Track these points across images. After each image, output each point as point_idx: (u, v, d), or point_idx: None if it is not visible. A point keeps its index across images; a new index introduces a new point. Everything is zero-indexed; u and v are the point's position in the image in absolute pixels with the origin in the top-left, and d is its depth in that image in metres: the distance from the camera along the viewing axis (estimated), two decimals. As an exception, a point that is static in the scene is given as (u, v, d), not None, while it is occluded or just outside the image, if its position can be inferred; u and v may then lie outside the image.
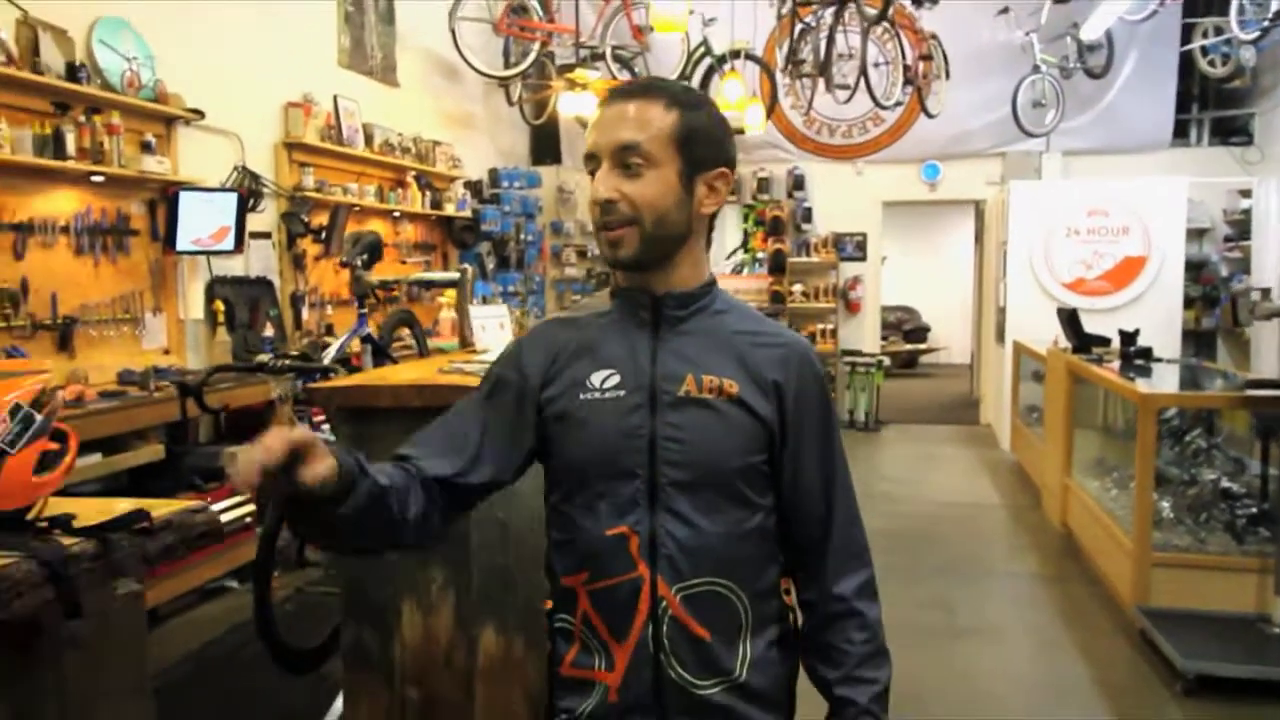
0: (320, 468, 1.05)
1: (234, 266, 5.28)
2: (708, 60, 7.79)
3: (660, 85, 1.30)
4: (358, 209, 6.42)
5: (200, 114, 4.91)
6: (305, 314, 5.86)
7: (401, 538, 1.22)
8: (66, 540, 0.90)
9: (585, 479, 1.29)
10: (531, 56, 7.47)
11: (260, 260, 5.56)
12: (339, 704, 2.42)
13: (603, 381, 1.29)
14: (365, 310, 4.00)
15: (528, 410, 1.33)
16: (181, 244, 4.69)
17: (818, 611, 1.34)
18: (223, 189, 5.02)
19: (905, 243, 13.28)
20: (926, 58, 7.71)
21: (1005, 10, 8.15)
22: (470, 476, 1.30)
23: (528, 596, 2.21)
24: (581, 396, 1.29)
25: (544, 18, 7.40)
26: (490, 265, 8.48)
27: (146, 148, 4.56)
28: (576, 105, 7.19)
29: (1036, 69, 8.13)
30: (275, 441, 1.01)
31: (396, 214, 7.01)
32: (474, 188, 8.24)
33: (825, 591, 1.33)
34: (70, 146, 4.10)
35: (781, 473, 1.32)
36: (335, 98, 6.30)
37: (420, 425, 1.36)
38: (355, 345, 3.96)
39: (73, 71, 4.19)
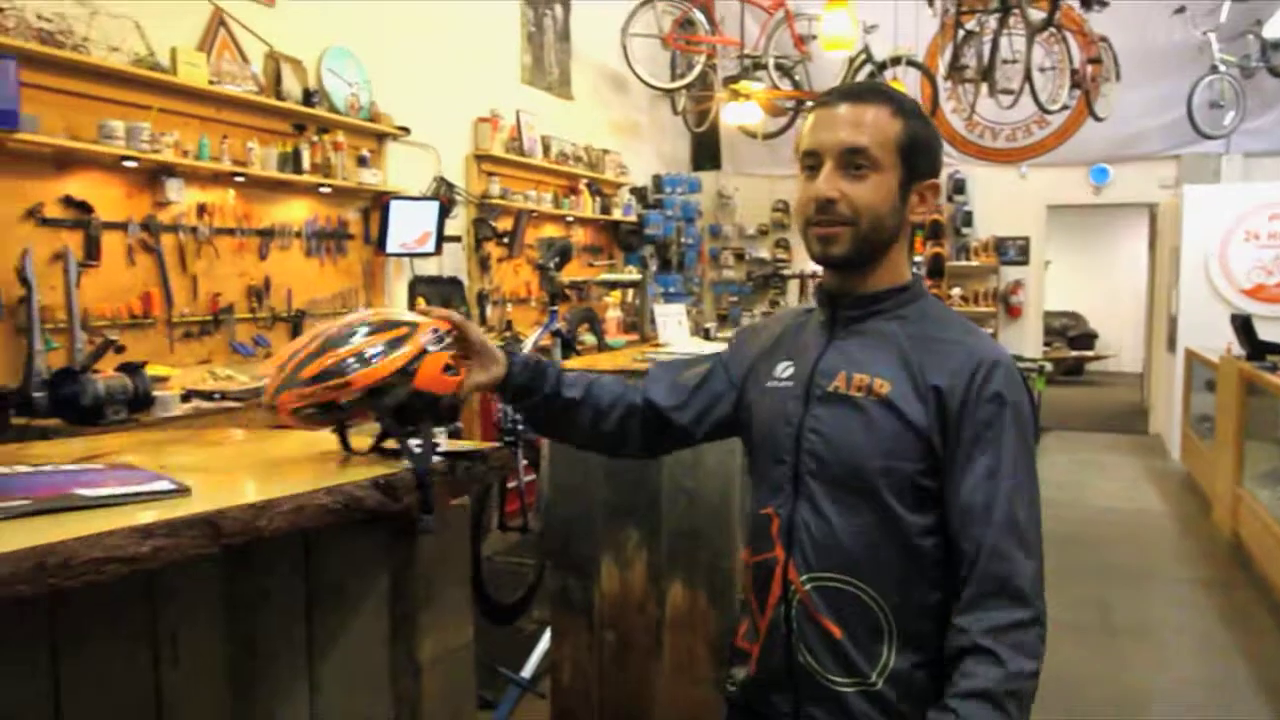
0: (480, 377, 1.35)
1: (431, 267, 5.86)
2: (869, 67, 7.93)
3: (885, 90, 1.31)
4: (535, 214, 6.94)
5: (406, 130, 5.50)
6: (489, 311, 6.41)
7: (594, 443, 1.50)
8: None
9: (757, 459, 1.39)
10: (697, 69, 7.82)
11: (452, 261, 6.13)
12: (545, 640, 2.82)
13: (782, 371, 1.36)
14: (556, 308, 4.44)
15: (730, 387, 1.45)
16: (391, 247, 5.28)
17: (948, 648, 1.22)
18: (425, 197, 5.59)
19: (1071, 247, 12.91)
20: (1095, 60, 7.60)
21: (1181, 9, 7.92)
22: (677, 416, 1.45)
23: (711, 556, 2.53)
24: (766, 383, 1.38)
25: (710, 31, 7.74)
26: (653, 267, 8.89)
27: (362, 162, 5.17)
28: (739, 115, 7.49)
29: (1215, 69, 7.86)
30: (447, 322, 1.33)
31: (569, 219, 7.50)
32: (639, 193, 8.67)
33: (954, 623, 1.21)
34: (305, 162, 4.73)
35: (943, 489, 1.25)
36: (518, 112, 6.84)
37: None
38: (546, 339, 4.40)
39: (307, 97, 4.82)
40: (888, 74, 7.88)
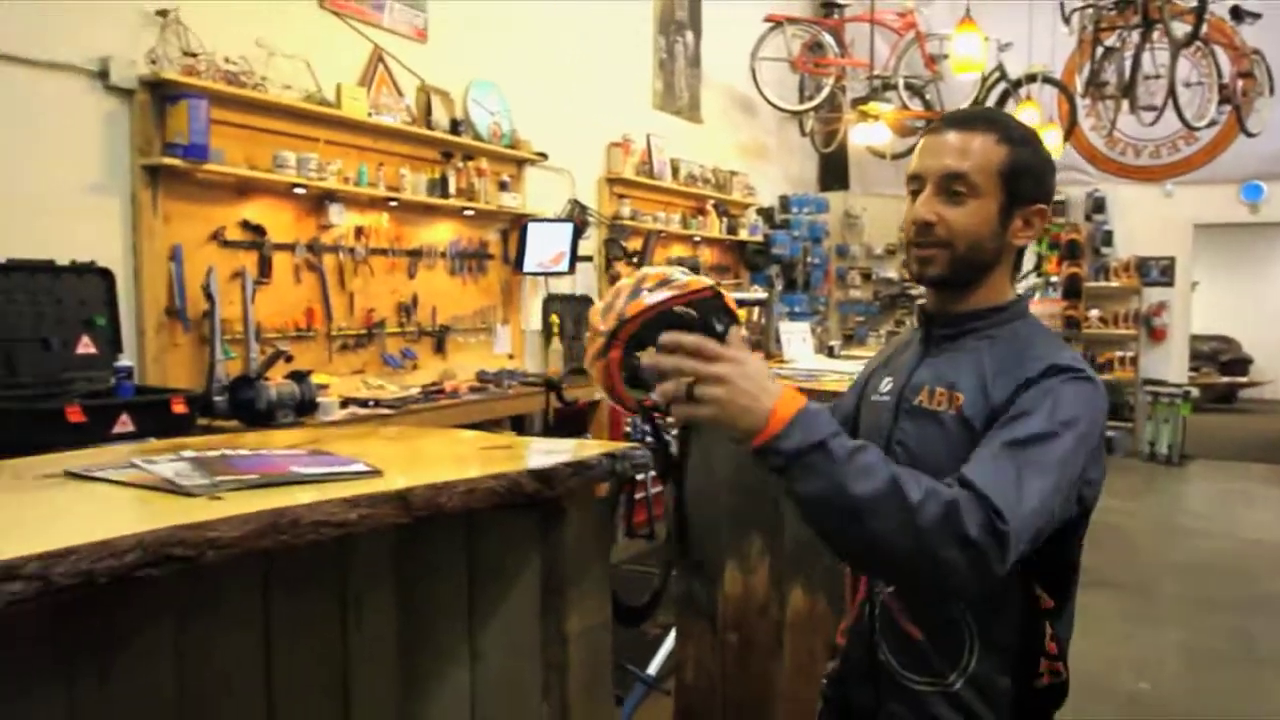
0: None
1: (564, 285, 6.13)
2: (1002, 85, 7.84)
3: (994, 118, 1.35)
4: (664, 234, 7.14)
5: (544, 156, 5.79)
6: (618, 328, 6.63)
7: None
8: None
9: None
10: (825, 90, 7.89)
11: (584, 279, 6.38)
12: (670, 640, 2.97)
13: (884, 386, 1.44)
14: (683, 324, 4.60)
15: (852, 405, 1.53)
16: (528, 266, 5.56)
17: None
18: (560, 219, 5.86)
19: (1222, 268, 12.29)
20: (1247, 74, 7.29)
21: (1345, 18, 7.52)
22: None
23: (831, 562, 2.63)
24: (871, 397, 1.47)
25: (838, 54, 7.81)
26: (778, 287, 8.96)
27: (503, 186, 5.48)
28: (867, 135, 7.52)
29: (1381, 79, 7.43)
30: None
31: (697, 239, 7.67)
32: (766, 214, 8.77)
33: None
34: (451, 187, 5.06)
35: None
36: (648, 136, 7.07)
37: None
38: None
39: (454, 126, 5.15)
40: (1022, 91, 7.77)
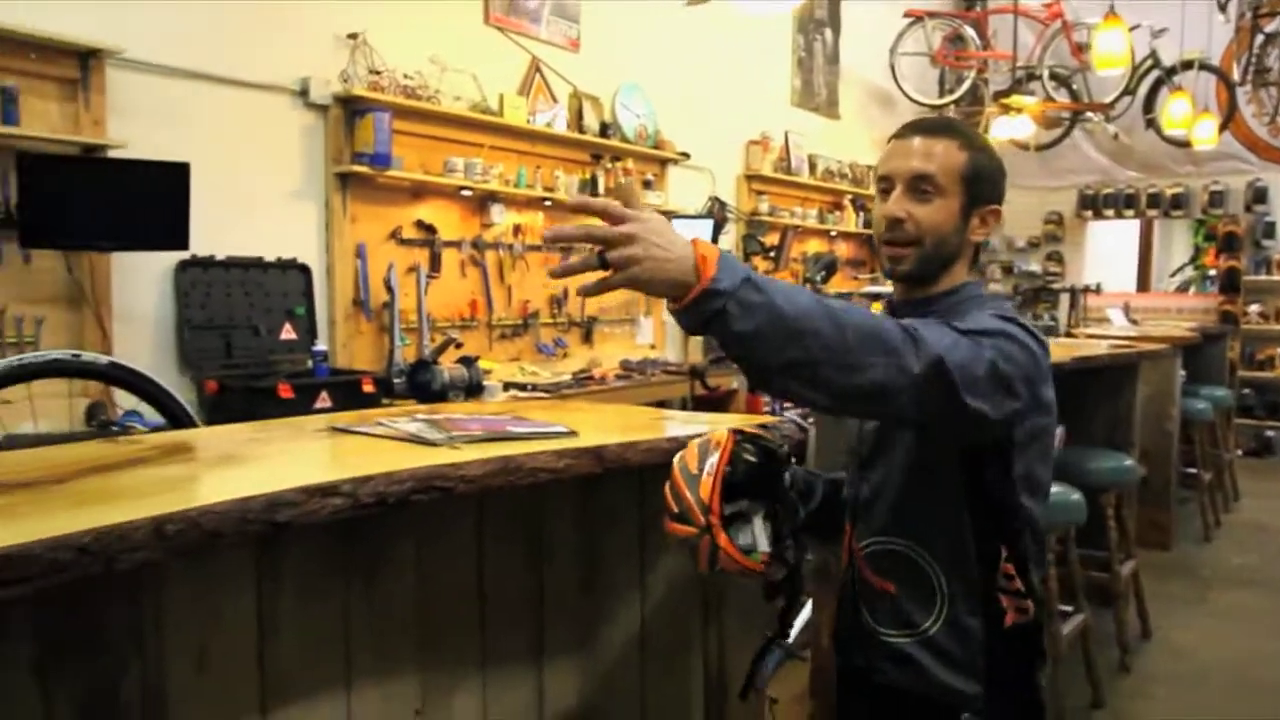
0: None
1: (703, 279, 6.38)
2: (1155, 73, 7.63)
3: (955, 125, 1.48)
4: (800, 229, 7.30)
5: (686, 155, 6.06)
6: (755, 320, 6.84)
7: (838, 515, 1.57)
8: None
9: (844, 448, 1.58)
10: (966, 83, 7.87)
11: (722, 274, 6.61)
12: (807, 610, 3.19)
13: None
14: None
15: None
16: (670, 261, 5.84)
17: None
18: (701, 216, 6.12)
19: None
20: None
21: None
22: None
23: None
24: None
25: (980, 46, 7.77)
26: (915, 280, 8.96)
27: (648, 184, 5.78)
28: (1009, 129, 7.47)
29: None
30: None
31: (833, 233, 7.79)
32: (903, 208, 8.78)
33: None
34: (600, 187, 5.39)
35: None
36: (786, 133, 7.24)
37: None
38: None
39: (603, 129, 5.48)
40: (1177, 79, 7.54)
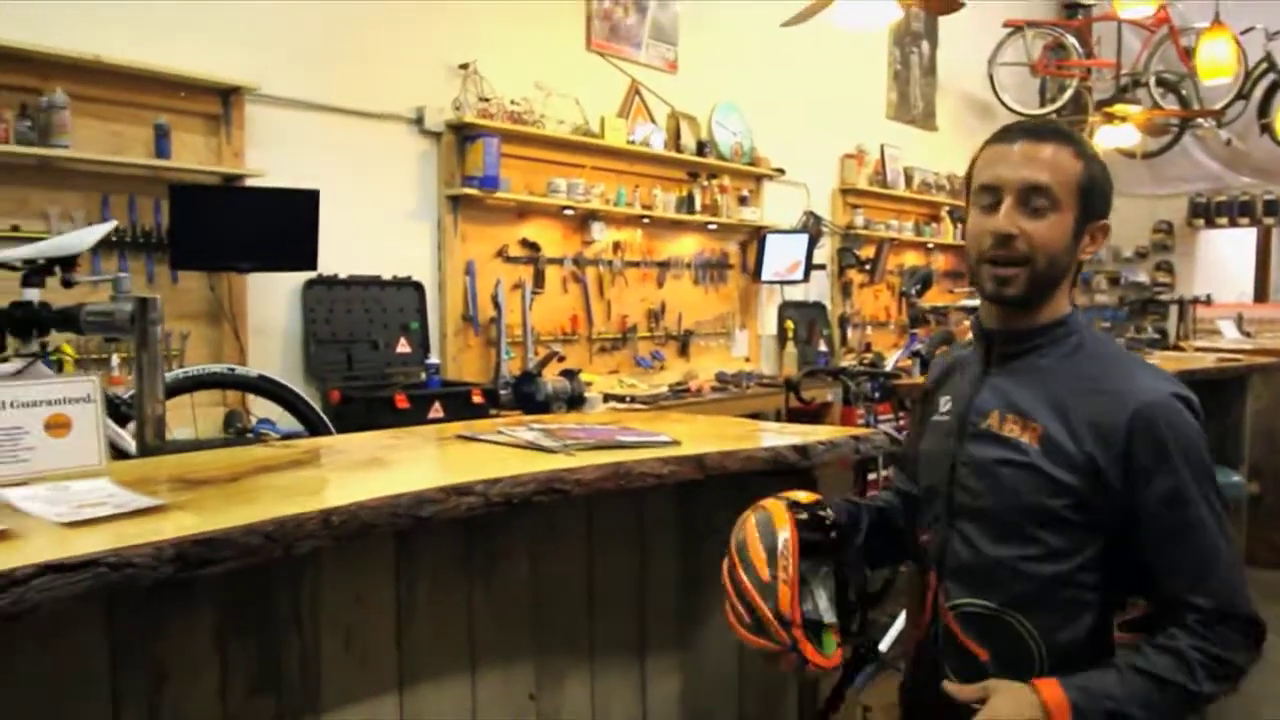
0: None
1: (798, 293, 6.46)
2: (1271, 76, 7.37)
3: (1067, 132, 1.33)
4: (896, 242, 7.30)
5: (782, 171, 6.15)
6: (850, 333, 6.88)
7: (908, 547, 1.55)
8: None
9: (920, 485, 1.49)
10: (1068, 92, 7.74)
11: (817, 287, 6.68)
12: (900, 621, 3.25)
13: (944, 405, 1.45)
14: (916, 331, 4.83)
15: (917, 431, 1.57)
16: (765, 275, 5.95)
17: (1154, 619, 1.27)
18: (796, 230, 6.20)
19: None
20: None
21: None
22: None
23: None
24: (933, 418, 1.48)
25: (1082, 54, 7.64)
26: (1016, 292, 8.82)
27: (743, 200, 5.89)
28: (1114, 138, 7.32)
29: None
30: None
31: (930, 245, 7.75)
32: (1003, 219, 8.66)
33: (1169, 618, 1.23)
34: (697, 204, 5.53)
35: (1108, 527, 1.26)
36: (882, 146, 7.26)
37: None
38: (905, 361, 4.80)
39: (700, 148, 5.62)
40: (1294, 83, 7.27)
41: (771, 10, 5.25)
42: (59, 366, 2.48)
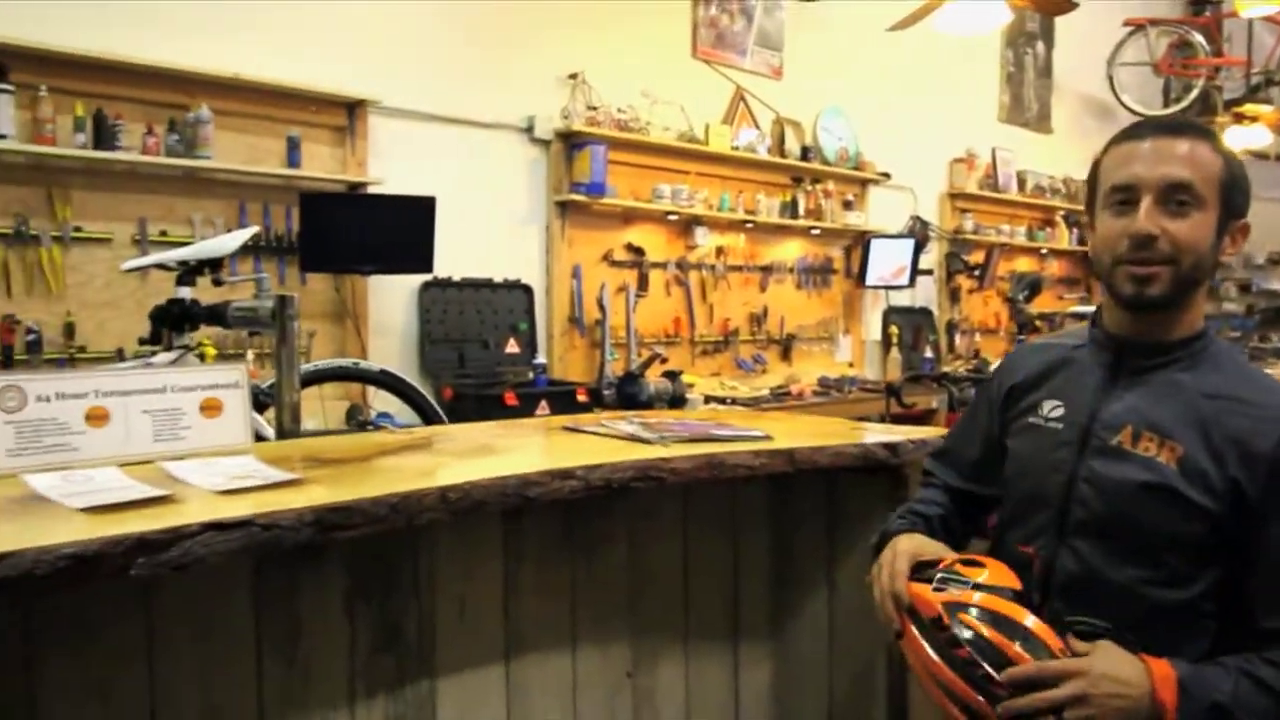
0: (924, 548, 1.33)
1: (904, 298, 6.40)
2: None
3: (1201, 126, 1.28)
4: (1007, 247, 7.14)
5: (887, 176, 6.11)
6: (957, 340, 6.77)
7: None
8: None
9: (1013, 493, 1.37)
10: (1194, 92, 7.45)
11: (924, 293, 6.60)
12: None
13: (1050, 410, 1.33)
14: (1024, 337, 4.75)
15: (995, 427, 1.44)
16: (870, 280, 5.92)
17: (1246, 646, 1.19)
18: (902, 235, 6.16)
19: None
20: None
21: None
22: (984, 488, 1.47)
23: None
24: (1029, 418, 1.36)
25: (1210, 52, 7.33)
26: (1135, 299, 8.51)
27: (847, 205, 5.88)
28: (1244, 138, 7.01)
29: None
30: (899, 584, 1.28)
31: (1043, 251, 7.56)
32: (1122, 223, 8.37)
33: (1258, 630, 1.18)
34: (800, 209, 5.55)
35: (1234, 554, 1.19)
36: (994, 150, 7.12)
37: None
38: (1011, 365, 4.73)
39: (804, 153, 5.64)
40: None
41: (879, 14, 5.25)
42: (200, 359, 2.70)
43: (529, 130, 4.49)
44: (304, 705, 1.40)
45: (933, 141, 6.64)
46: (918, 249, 6.07)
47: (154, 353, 2.23)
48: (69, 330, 3.25)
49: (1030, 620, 1.17)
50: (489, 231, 4.40)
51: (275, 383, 1.85)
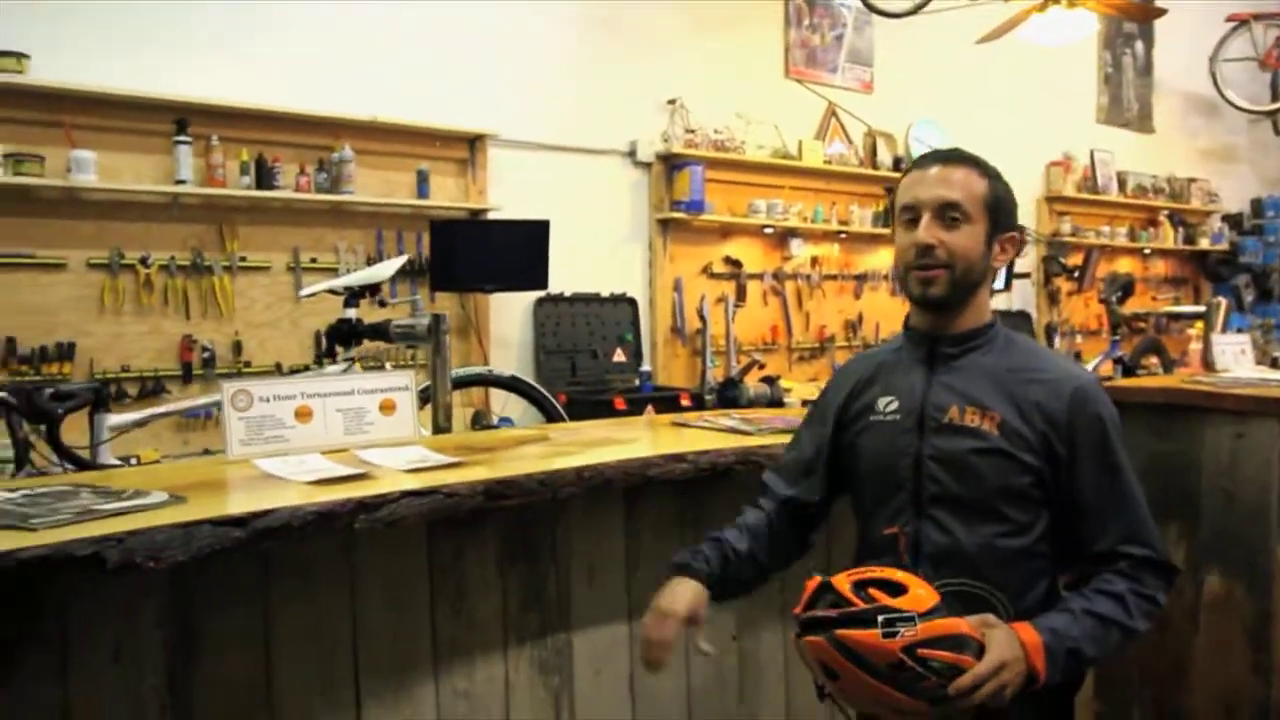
0: (699, 610, 1.46)
1: (1000, 302, 6.47)
2: None
3: (970, 156, 1.51)
4: (1108, 249, 7.13)
5: (981, 182, 6.20)
6: (1057, 342, 6.79)
7: (769, 575, 1.63)
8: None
9: (868, 486, 1.54)
10: (1304, 84, 7.28)
11: (1021, 296, 6.66)
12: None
13: (886, 406, 1.52)
14: (1118, 338, 4.83)
15: (829, 432, 1.60)
16: (964, 285, 6.03)
17: (1085, 567, 1.44)
18: (996, 240, 6.24)
19: None
20: None
21: None
22: (810, 494, 1.61)
23: (1248, 552, 2.87)
24: (870, 417, 1.54)
25: (1321, 43, 7.17)
26: (1249, 298, 8.31)
27: (941, 213, 6.00)
28: (1357, 129, 6.82)
29: None
30: (665, 632, 1.42)
31: (1146, 251, 7.49)
32: (1233, 220, 8.21)
33: (1100, 565, 1.41)
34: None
35: (1055, 499, 1.43)
36: (1092, 151, 7.12)
37: (1165, 420, 2.23)
38: (1107, 368, 4.79)
39: (896, 163, 5.81)
40: None
41: (969, 26, 5.40)
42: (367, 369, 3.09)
43: (631, 154, 4.81)
44: (468, 648, 1.71)
45: (1028, 146, 6.69)
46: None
47: (325, 364, 2.61)
48: (237, 348, 3.72)
49: (964, 625, 1.29)
50: (596, 249, 4.74)
51: (430, 386, 2.19)
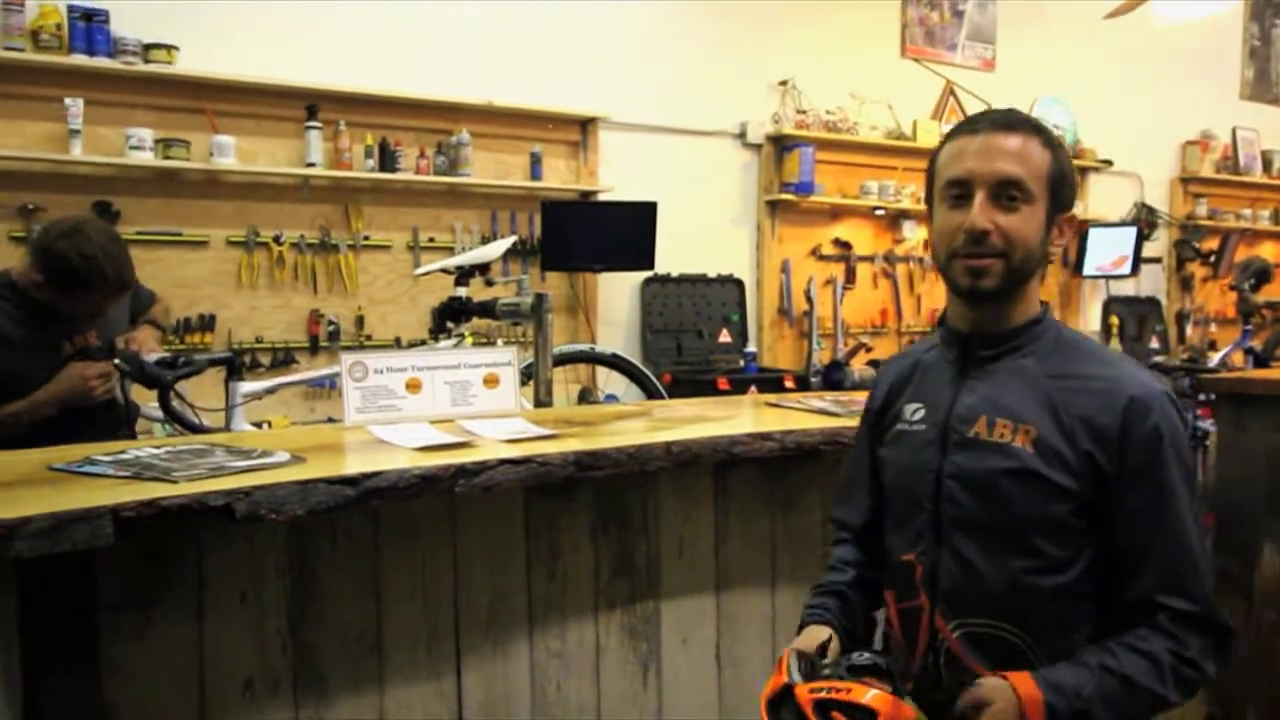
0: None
1: (1127, 287, 6.22)
2: None
3: (1033, 120, 1.27)
4: (1248, 233, 6.74)
5: (1109, 163, 5.97)
6: (1189, 330, 6.48)
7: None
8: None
9: (892, 503, 1.36)
10: None
11: (1150, 282, 6.38)
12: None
13: (912, 414, 1.33)
14: (1250, 328, 4.59)
15: (869, 442, 1.44)
16: (1087, 270, 5.82)
17: (1118, 622, 1.20)
18: (1123, 223, 6.00)
19: None
20: None
21: None
22: (874, 518, 1.42)
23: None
24: (897, 426, 1.36)
25: None
26: None
27: (1064, 194, 5.80)
28: None
29: None
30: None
31: (1293, 235, 7.05)
32: (1393, 203, 7.63)
33: (1139, 618, 1.18)
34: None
35: (1099, 530, 1.20)
36: (1234, 130, 6.73)
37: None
38: (1237, 358, 4.57)
39: (1017, 143, 5.63)
40: None
41: (1097, 1, 5.18)
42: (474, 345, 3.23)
43: (741, 135, 4.83)
44: (562, 610, 1.81)
45: (1162, 125, 6.39)
46: (1141, 237, 5.89)
47: (438, 339, 2.76)
48: (360, 322, 3.93)
49: None
50: (704, 230, 4.78)
51: (533, 363, 2.30)
